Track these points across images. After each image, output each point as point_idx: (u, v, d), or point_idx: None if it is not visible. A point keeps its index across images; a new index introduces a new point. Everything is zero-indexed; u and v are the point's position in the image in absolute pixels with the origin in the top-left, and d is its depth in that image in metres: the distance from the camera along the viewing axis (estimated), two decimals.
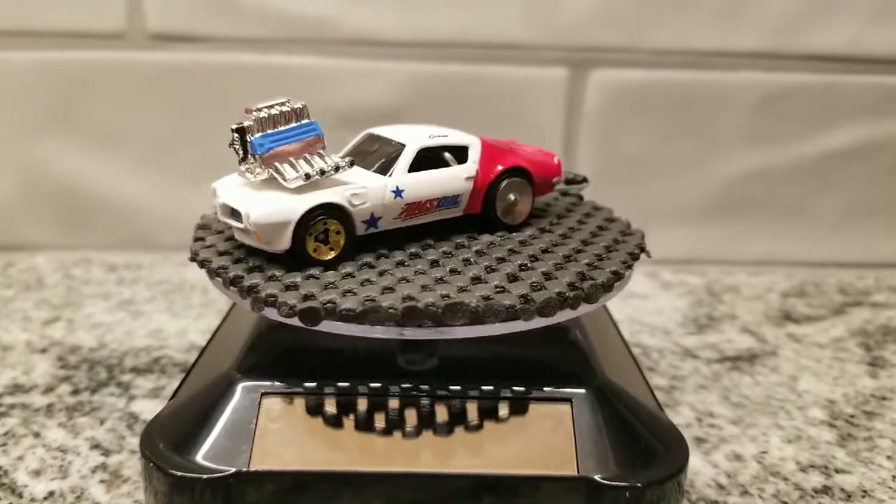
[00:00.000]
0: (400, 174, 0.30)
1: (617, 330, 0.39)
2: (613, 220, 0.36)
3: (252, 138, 0.29)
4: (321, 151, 0.30)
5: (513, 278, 0.29)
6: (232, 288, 0.28)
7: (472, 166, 0.32)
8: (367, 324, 0.27)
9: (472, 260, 0.30)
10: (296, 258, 0.29)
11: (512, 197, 0.33)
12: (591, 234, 0.34)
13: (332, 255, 0.29)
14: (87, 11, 0.55)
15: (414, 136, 0.32)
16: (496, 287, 0.28)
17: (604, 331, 0.38)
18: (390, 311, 0.26)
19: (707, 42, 0.56)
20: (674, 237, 0.60)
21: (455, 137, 0.33)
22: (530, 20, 0.55)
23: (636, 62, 0.56)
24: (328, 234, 0.29)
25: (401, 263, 0.30)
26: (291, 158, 0.29)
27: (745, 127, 0.58)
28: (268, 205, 0.28)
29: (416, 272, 0.29)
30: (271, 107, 0.30)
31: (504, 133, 0.57)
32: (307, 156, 0.29)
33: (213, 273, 0.29)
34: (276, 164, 0.29)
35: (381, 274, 0.29)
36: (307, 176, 0.28)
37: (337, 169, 0.29)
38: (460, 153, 0.32)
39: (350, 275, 0.29)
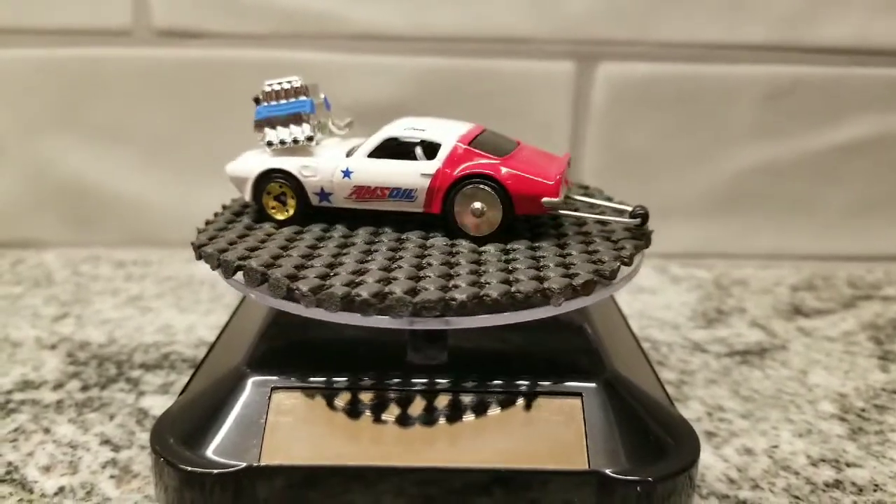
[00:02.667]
0: (358, 157, 0.32)
1: (626, 324, 0.39)
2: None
3: (257, 107, 0.34)
4: (304, 125, 0.33)
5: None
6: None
7: (432, 164, 0.31)
8: (380, 314, 0.27)
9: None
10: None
11: (478, 205, 0.31)
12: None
13: (285, 215, 0.33)
14: (94, 8, 0.55)
15: (395, 127, 0.33)
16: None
17: (613, 325, 0.37)
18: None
19: (714, 35, 0.56)
20: (682, 231, 0.60)
21: (432, 134, 0.32)
22: (537, 14, 0.55)
23: (643, 55, 0.56)
24: (286, 196, 0.33)
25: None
26: (279, 127, 0.33)
27: (752, 120, 0.58)
28: (243, 162, 0.34)
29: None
30: (280, 83, 0.34)
31: (511, 127, 0.57)
32: (292, 126, 0.33)
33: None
34: (265, 129, 0.34)
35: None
36: (269, 143, 0.33)
37: (296, 141, 0.33)
38: (433, 150, 0.32)
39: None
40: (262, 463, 0.27)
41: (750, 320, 0.50)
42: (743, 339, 0.47)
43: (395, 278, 0.28)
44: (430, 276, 0.28)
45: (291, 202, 0.33)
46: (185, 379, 0.40)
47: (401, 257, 0.30)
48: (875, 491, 0.33)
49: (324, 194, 0.33)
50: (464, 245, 0.31)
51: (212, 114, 0.57)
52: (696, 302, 0.53)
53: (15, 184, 0.58)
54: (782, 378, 0.42)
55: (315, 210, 0.33)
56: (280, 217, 0.33)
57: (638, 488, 0.26)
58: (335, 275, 0.28)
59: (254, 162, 0.34)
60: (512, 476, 0.27)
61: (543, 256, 0.30)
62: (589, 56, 0.56)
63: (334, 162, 0.32)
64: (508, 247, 0.31)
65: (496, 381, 0.29)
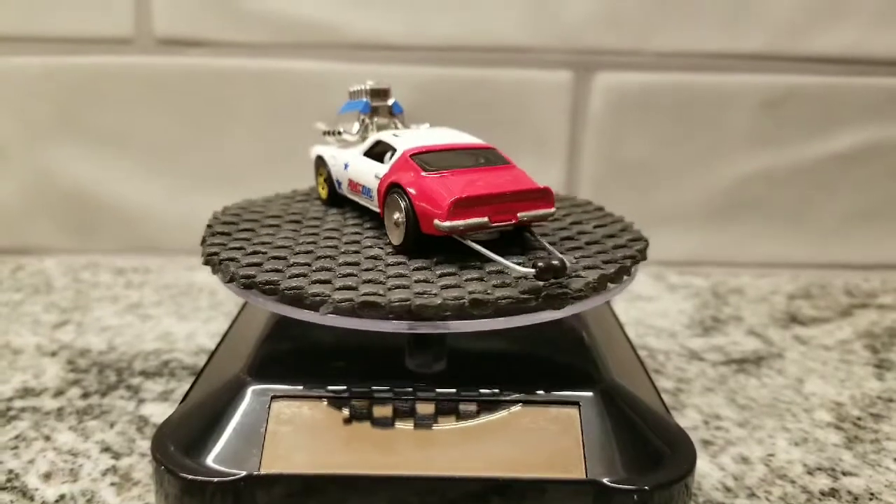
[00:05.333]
0: (357, 153, 0.35)
1: (623, 332, 0.39)
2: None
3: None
4: (356, 122, 0.37)
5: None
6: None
7: (383, 169, 0.32)
8: (374, 318, 0.27)
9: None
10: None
11: (396, 215, 0.31)
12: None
13: (324, 197, 0.38)
14: (95, 16, 0.55)
15: (389, 133, 0.34)
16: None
17: (610, 333, 0.38)
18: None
19: (711, 45, 0.56)
20: (678, 239, 0.61)
21: (399, 141, 0.32)
22: (535, 23, 0.56)
23: (640, 65, 0.57)
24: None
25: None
26: (343, 122, 0.37)
27: (749, 129, 0.58)
28: (318, 147, 0.38)
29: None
30: (359, 86, 0.37)
31: (509, 136, 0.58)
32: (355, 122, 0.37)
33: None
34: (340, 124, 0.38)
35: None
36: (323, 133, 0.38)
37: (334, 133, 0.37)
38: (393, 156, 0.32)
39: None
40: (262, 471, 0.27)
41: (746, 329, 0.50)
42: (739, 347, 0.48)
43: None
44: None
45: (326, 186, 0.37)
46: (185, 386, 0.41)
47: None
48: (871, 500, 0.33)
49: (338, 182, 0.36)
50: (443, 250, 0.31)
51: (212, 122, 0.57)
52: (693, 310, 0.53)
53: (15, 190, 0.59)
54: (778, 386, 0.43)
55: (342, 196, 0.36)
56: (322, 196, 0.38)
57: (635, 497, 0.27)
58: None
59: (318, 147, 0.38)
60: (510, 485, 0.27)
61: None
62: (586, 66, 0.57)
63: (345, 155, 0.35)
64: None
65: (494, 390, 0.29)
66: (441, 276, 0.29)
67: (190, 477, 0.27)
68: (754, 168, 0.59)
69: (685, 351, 0.47)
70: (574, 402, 0.29)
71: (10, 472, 0.33)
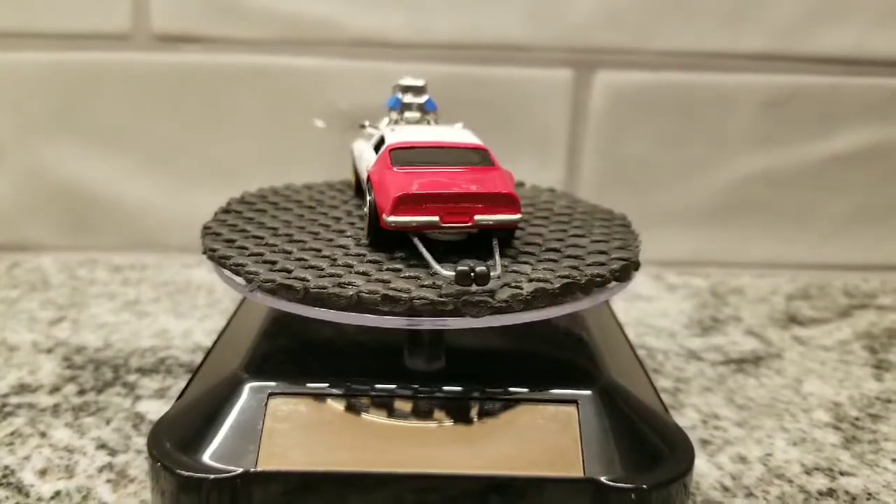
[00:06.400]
0: (369, 147, 0.35)
1: (622, 331, 0.39)
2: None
3: None
4: (388, 116, 0.38)
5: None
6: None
7: (372, 161, 0.32)
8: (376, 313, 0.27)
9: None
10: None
11: (364, 208, 0.32)
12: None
13: (353, 185, 0.39)
14: (93, 13, 0.55)
15: (387, 126, 0.36)
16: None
17: (609, 332, 0.38)
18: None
19: (712, 44, 0.56)
20: (678, 239, 0.60)
21: (392, 136, 0.33)
22: (535, 22, 0.56)
23: (641, 64, 0.56)
24: None
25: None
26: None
27: (749, 129, 0.58)
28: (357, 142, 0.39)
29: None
30: (398, 83, 0.37)
31: (509, 134, 0.57)
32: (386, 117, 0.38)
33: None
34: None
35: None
36: (360, 126, 0.39)
37: (362, 126, 0.39)
38: None
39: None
40: (259, 468, 0.27)
41: (745, 329, 0.50)
42: (738, 347, 0.48)
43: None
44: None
45: (355, 177, 0.38)
46: (182, 384, 0.40)
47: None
48: (868, 500, 0.33)
49: (360, 175, 0.36)
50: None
51: (210, 119, 0.57)
52: (692, 310, 0.53)
53: (12, 187, 0.58)
54: (777, 386, 0.43)
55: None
56: (353, 186, 0.39)
57: (633, 496, 0.27)
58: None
59: (357, 141, 0.39)
60: (508, 483, 0.27)
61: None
62: (587, 64, 0.56)
63: (364, 149, 0.36)
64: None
65: (492, 388, 0.29)
66: (385, 270, 0.29)
67: (186, 474, 0.27)
68: (754, 168, 0.59)
69: (684, 351, 0.47)
70: (572, 401, 0.29)
71: (6, 468, 0.33)
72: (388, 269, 0.29)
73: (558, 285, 0.28)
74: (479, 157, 0.31)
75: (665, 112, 0.58)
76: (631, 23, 0.56)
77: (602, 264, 0.30)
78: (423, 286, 0.28)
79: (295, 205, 0.37)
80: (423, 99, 0.37)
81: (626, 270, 0.30)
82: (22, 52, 0.56)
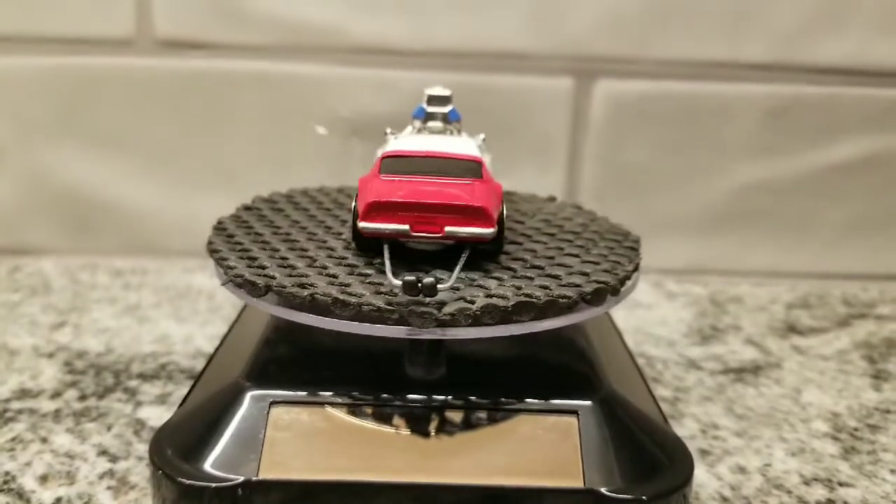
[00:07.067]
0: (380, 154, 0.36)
1: (622, 340, 0.40)
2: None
3: None
4: (411, 125, 0.37)
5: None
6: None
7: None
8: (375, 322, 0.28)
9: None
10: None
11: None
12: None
13: None
14: (96, 17, 0.55)
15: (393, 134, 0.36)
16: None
17: (609, 341, 0.38)
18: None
19: (713, 53, 0.56)
20: (678, 247, 0.61)
21: (394, 144, 0.33)
22: (536, 30, 0.56)
23: (642, 73, 0.57)
24: None
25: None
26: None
27: (750, 138, 0.58)
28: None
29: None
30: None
31: (509, 142, 0.58)
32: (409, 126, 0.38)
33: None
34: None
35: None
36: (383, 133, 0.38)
37: (385, 135, 0.37)
38: None
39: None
40: (260, 477, 0.27)
41: (745, 338, 0.50)
42: (737, 356, 0.48)
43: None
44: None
45: None
46: (183, 390, 0.41)
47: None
48: None
49: None
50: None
51: (212, 124, 0.57)
52: (691, 318, 0.53)
53: (13, 190, 0.58)
54: (776, 396, 0.43)
55: None
56: None
57: None
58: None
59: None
60: (508, 493, 0.27)
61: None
62: (588, 73, 0.57)
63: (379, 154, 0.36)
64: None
65: (493, 398, 0.29)
66: (356, 274, 0.30)
67: (188, 482, 0.27)
68: (754, 177, 0.59)
69: (683, 360, 0.47)
70: (573, 411, 0.29)
71: (7, 473, 0.33)
72: (358, 274, 0.30)
73: (512, 303, 0.28)
74: (468, 169, 0.31)
75: (665, 121, 0.58)
76: (631, 32, 0.56)
77: (577, 286, 0.29)
78: (379, 293, 0.28)
79: (314, 206, 0.38)
80: (447, 109, 0.37)
81: (598, 294, 0.29)
82: (25, 57, 0.56)
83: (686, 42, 0.56)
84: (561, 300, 0.28)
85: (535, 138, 0.58)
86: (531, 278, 0.30)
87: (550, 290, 0.29)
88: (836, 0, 0.55)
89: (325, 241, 0.33)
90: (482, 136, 0.38)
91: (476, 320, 0.27)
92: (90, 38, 0.56)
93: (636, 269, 0.33)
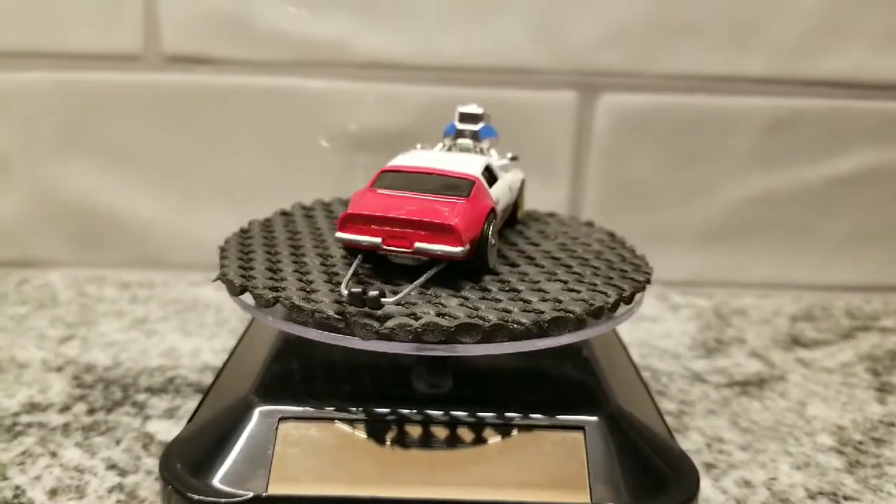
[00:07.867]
0: None
1: (627, 354, 0.40)
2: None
3: None
4: (442, 142, 0.38)
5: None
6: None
7: None
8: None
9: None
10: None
11: None
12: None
13: None
14: (104, 33, 0.56)
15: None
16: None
17: (615, 355, 0.38)
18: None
19: (715, 67, 0.57)
20: (682, 260, 0.61)
21: (396, 159, 0.34)
22: (540, 44, 0.56)
23: (645, 87, 0.57)
24: None
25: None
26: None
27: (752, 151, 0.59)
28: None
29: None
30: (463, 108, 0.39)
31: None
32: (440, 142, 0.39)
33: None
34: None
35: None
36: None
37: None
38: None
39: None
40: (269, 492, 0.27)
41: (749, 350, 0.51)
42: (742, 369, 0.48)
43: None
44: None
45: None
46: (190, 403, 0.41)
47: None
48: None
49: None
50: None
51: (219, 139, 0.58)
52: (696, 331, 0.53)
53: (22, 203, 0.59)
54: (781, 409, 0.43)
55: None
56: None
57: None
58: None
59: None
60: None
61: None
62: (591, 87, 0.57)
63: None
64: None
65: (500, 413, 0.29)
66: (332, 283, 0.30)
67: (197, 497, 0.27)
68: (757, 190, 0.59)
69: (688, 373, 0.47)
70: (580, 427, 0.29)
71: (17, 487, 0.33)
72: (335, 283, 0.31)
73: (455, 324, 0.27)
74: (457, 187, 0.31)
75: (668, 134, 0.58)
76: (634, 46, 0.56)
77: (541, 312, 0.28)
78: (337, 301, 0.29)
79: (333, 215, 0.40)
80: (477, 127, 0.37)
81: (557, 323, 0.28)
82: (34, 72, 0.56)
83: (688, 56, 0.57)
84: (513, 325, 0.28)
85: (539, 152, 0.58)
86: (499, 300, 0.29)
87: (510, 314, 0.28)
88: (837, 14, 0.56)
89: (326, 250, 0.34)
90: (510, 154, 0.38)
91: (417, 337, 0.27)
92: (98, 54, 0.56)
93: (615, 306, 0.30)
